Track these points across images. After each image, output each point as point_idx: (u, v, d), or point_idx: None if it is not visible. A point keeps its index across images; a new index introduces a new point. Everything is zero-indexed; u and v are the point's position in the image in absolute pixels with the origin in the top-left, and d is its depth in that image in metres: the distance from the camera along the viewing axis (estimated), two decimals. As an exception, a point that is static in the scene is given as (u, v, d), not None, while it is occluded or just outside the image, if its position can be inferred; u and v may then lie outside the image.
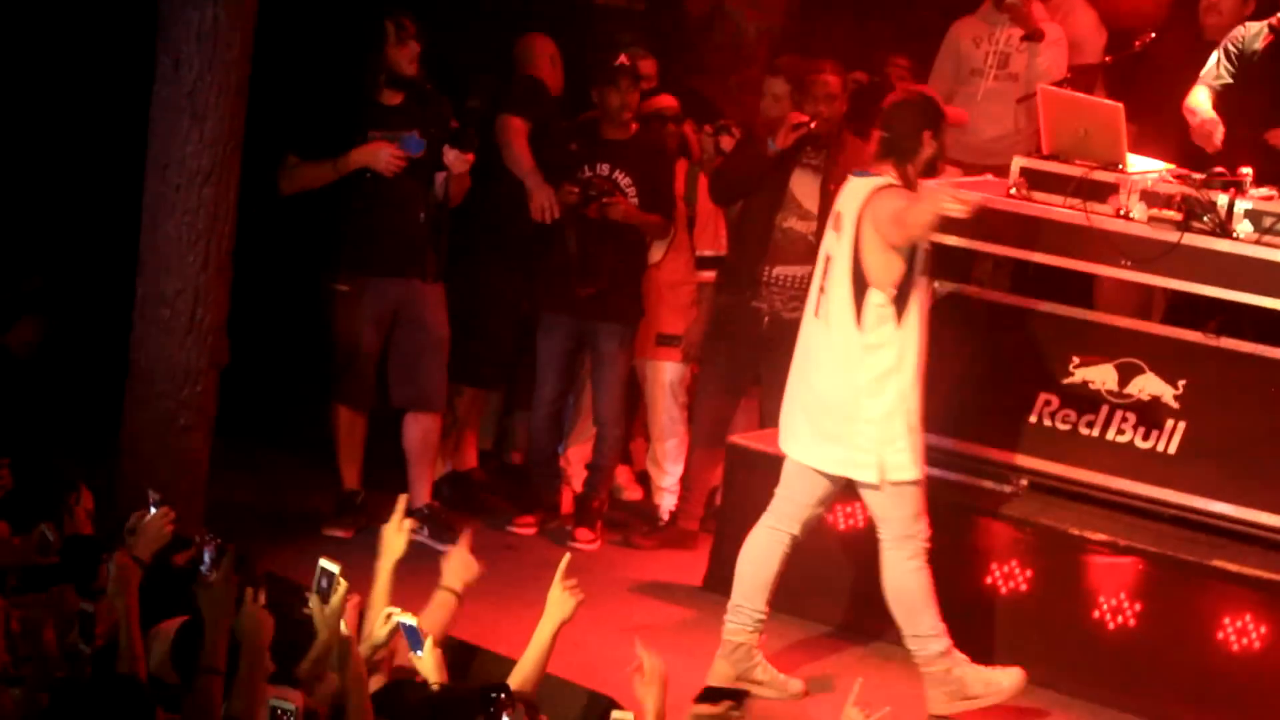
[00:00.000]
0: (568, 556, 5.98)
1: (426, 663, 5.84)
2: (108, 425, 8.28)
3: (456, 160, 8.80)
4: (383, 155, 8.75)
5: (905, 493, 7.41)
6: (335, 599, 5.65)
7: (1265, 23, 8.57)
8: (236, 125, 8.24)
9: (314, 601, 5.72)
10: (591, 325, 9.21)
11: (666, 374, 9.56)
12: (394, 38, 8.77)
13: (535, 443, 9.50)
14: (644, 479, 9.84)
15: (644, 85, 9.42)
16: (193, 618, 5.40)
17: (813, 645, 8.06)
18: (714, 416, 9.23)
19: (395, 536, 6.32)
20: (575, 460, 9.62)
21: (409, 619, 5.91)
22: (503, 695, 5.09)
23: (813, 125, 8.80)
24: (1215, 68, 8.61)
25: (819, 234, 8.90)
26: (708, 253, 9.49)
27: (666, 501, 9.53)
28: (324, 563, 5.72)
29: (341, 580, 5.69)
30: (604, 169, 9.18)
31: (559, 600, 5.91)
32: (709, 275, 9.46)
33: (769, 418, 9.15)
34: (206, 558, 5.60)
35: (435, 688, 5.74)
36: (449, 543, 8.53)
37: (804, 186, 8.99)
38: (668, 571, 8.87)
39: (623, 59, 9.18)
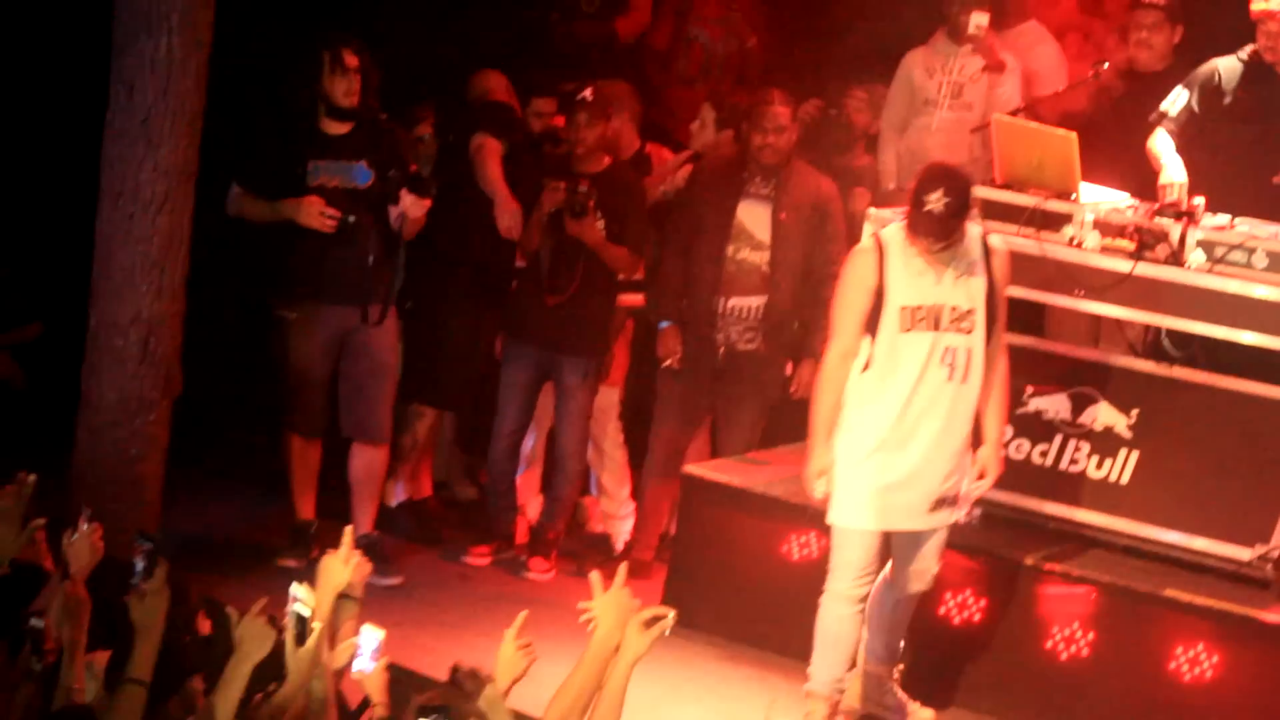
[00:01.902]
0: (523, 615, 5.87)
1: (374, 680, 5.73)
2: (60, 454, 8.23)
3: (414, 205, 8.69)
4: (315, 213, 8.63)
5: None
6: (311, 640, 5.44)
7: (1237, 58, 8.50)
8: (191, 153, 8.22)
9: (287, 642, 5.47)
10: (555, 357, 9.19)
11: (605, 398, 9.56)
12: (328, 69, 8.68)
13: (493, 472, 9.44)
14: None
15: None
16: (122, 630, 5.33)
17: (766, 672, 8.05)
18: (669, 448, 9.22)
19: (339, 568, 5.90)
20: (524, 488, 9.60)
21: (374, 631, 5.79)
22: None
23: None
24: (1186, 104, 8.55)
25: (773, 264, 8.96)
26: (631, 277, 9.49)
27: (620, 529, 9.52)
28: (298, 606, 5.56)
29: (317, 621, 5.54)
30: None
31: (510, 660, 5.70)
32: (628, 299, 9.46)
33: (722, 447, 9.19)
34: (139, 567, 5.47)
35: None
36: (389, 575, 8.49)
37: (754, 217, 9.01)
38: (623, 601, 8.83)
39: (588, 92, 9.20)
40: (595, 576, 5.47)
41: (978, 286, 7.25)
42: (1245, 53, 8.48)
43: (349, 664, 5.77)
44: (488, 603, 7.36)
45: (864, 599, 7.37)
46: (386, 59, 8.97)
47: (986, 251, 7.31)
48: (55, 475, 8.05)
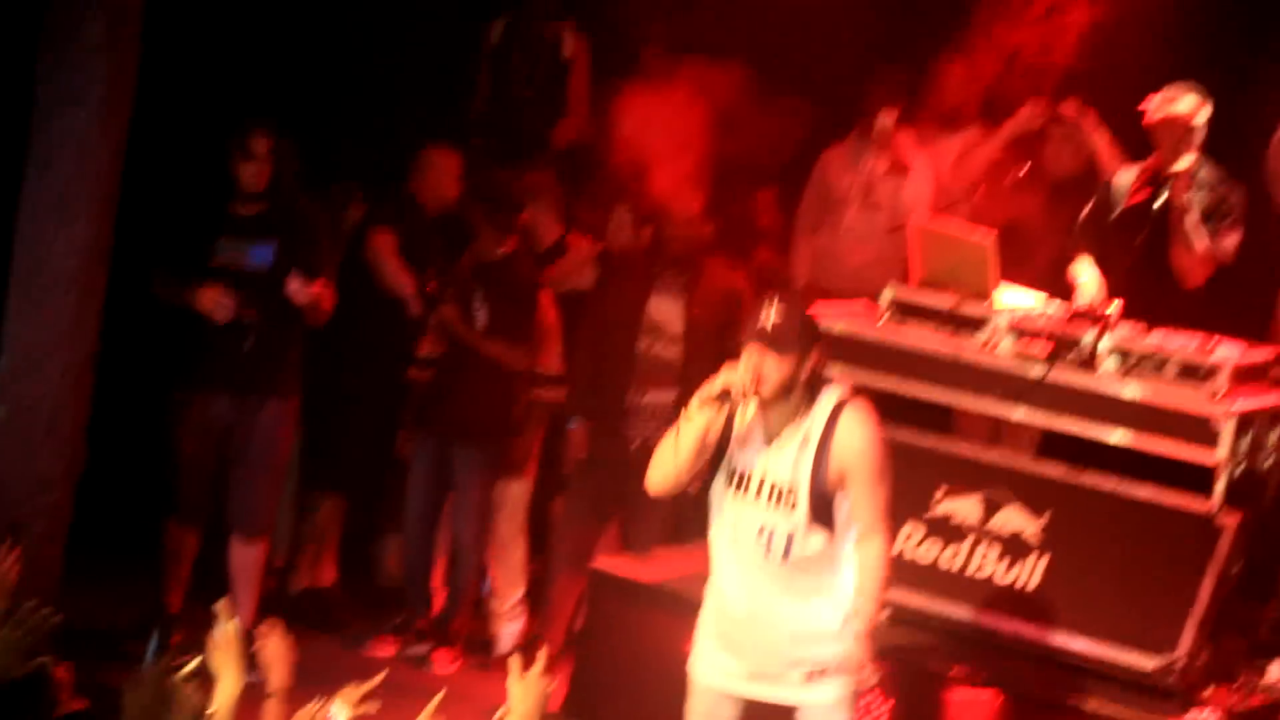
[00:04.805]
0: (443, 692, 5.84)
1: None
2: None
3: (298, 291, 8.67)
4: (208, 302, 8.61)
5: None
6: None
7: (1138, 167, 8.63)
8: (104, 232, 8.19)
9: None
10: (452, 448, 9.16)
11: (512, 492, 9.50)
12: (237, 154, 8.70)
13: (407, 561, 9.40)
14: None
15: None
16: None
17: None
18: (579, 543, 9.18)
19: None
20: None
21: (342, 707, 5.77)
22: None
23: None
24: (1098, 210, 8.67)
25: (686, 358, 8.94)
26: (548, 372, 9.47)
27: (505, 630, 9.42)
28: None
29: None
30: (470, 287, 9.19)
31: None
32: (547, 394, 9.41)
33: (632, 542, 9.13)
34: (151, 648, 5.44)
35: None
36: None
37: (665, 310, 9.00)
38: (527, 695, 8.74)
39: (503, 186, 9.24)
40: (514, 660, 5.40)
41: (805, 464, 6.23)
42: (1146, 165, 8.57)
43: None
44: (390, 694, 7.24)
45: None
46: (318, 139, 8.97)
47: (833, 424, 6.14)
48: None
